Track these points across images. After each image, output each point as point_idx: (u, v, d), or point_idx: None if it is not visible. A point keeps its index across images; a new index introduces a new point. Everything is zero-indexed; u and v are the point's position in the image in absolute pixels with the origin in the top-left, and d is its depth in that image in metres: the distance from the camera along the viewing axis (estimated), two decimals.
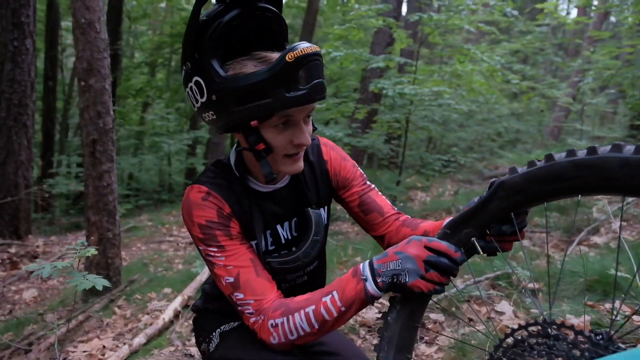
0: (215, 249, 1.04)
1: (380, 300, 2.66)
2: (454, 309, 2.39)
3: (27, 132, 5.40)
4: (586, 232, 3.72)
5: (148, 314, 3.02)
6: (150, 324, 2.76)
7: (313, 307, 0.97)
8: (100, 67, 2.91)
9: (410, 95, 4.71)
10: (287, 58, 0.89)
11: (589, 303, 2.15)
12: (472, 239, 0.92)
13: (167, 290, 3.43)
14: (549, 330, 0.82)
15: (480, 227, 0.91)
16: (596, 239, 3.55)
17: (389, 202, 1.25)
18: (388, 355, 1.01)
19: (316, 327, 0.96)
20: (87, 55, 2.86)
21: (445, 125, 9.42)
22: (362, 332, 2.33)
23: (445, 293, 2.49)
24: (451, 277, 0.91)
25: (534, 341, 0.84)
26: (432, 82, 5.35)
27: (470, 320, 2.27)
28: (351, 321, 2.39)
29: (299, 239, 1.16)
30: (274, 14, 1.00)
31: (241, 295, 1.02)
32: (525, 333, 0.86)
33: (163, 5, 13.86)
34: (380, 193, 1.26)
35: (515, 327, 0.87)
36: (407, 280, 0.89)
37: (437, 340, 2.14)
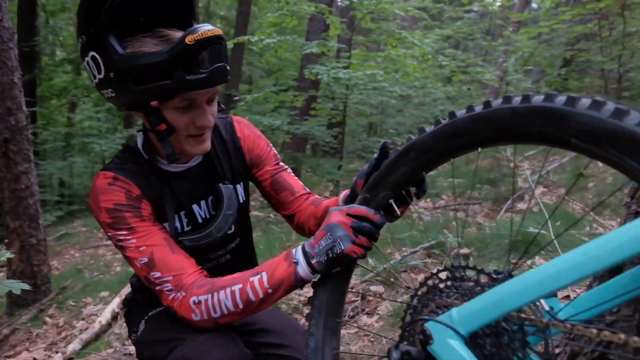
0: (126, 232, 1.00)
1: None
2: (392, 279, 2.47)
3: None
4: (512, 200, 3.98)
5: (83, 319, 2.87)
6: (86, 329, 2.63)
7: (240, 285, 0.95)
8: (6, 59, 2.68)
9: (345, 79, 4.77)
10: (187, 40, 0.87)
11: (513, 261, 2.30)
12: (390, 200, 0.95)
13: (104, 293, 3.27)
14: (456, 273, 0.87)
15: (395, 188, 0.94)
16: (521, 206, 3.81)
17: (300, 182, 1.26)
18: (318, 322, 1.02)
19: (240, 306, 0.95)
20: None
21: (383, 111, 9.65)
22: (307, 310, 2.35)
23: (384, 265, 2.57)
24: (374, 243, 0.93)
25: (444, 285, 0.88)
26: (366, 67, 5.45)
27: (408, 288, 2.36)
28: (294, 301, 2.41)
29: (215, 218, 1.14)
30: None
31: (157, 274, 0.99)
32: (436, 280, 0.91)
33: None
34: (292, 174, 1.27)
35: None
36: (342, 247, 0.89)
37: (378, 310, 2.20)
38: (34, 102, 7.61)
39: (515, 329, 0.72)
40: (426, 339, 0.77)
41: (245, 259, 1.28)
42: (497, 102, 0.78)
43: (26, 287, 1.54)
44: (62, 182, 10.41)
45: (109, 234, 1.02)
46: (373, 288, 2.42)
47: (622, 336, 0.58)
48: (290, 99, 6.44)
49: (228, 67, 0.97)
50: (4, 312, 3.10)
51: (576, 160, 4.81)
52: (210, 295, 0.96)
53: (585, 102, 0.66)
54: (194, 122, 0.99)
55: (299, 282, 0.94)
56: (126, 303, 1.28)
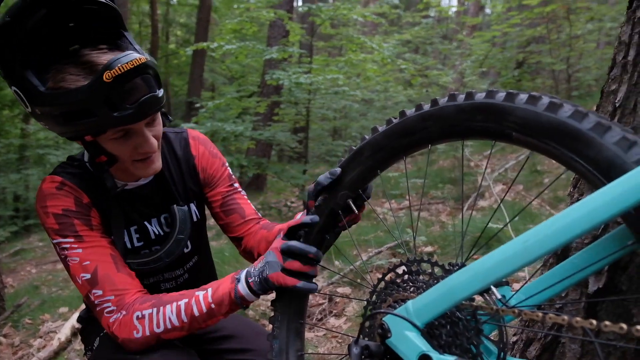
0: (72, 240, 0.96)
1: None
2: (358, 280, 2.49)
3: None
4: (473, 198, 4.11)
5: (41, 337, 2.74)
6: (44, 347, 2.51)
7: (186, 300, 0.93)
8: None
9: (306, 84, 4.80)
10: (104, 78, 0.82)
11: (475, 256, 2.38)
12: (348, 200, 0.96)
13: (64, 309, 3.14)
14: (412, 267, 0.89)
15: (353, 187, 0.95)
16: (482, 203, 3.94)
17: (252, 206, 1.24)
18: (282, 324, 1.01)
19: (185, 320, 0.92)
20: None
21: (347, 115, 9.75)
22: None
23: (351, 267, 2.59)
24: (317, 266, 0.90)
25: (400, 280, 0.90)
26: (327, 72, 5.50)
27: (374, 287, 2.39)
28: (262, 307, 2.39)
29: (170, 236, 1.11)
30: (96, 4, 0.89)
31: (99, 292, 0.95)
32: (394, 275, 0.93)
33: None
34: (246, 197, 1.24)
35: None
36: (267, 273, 0.87)
37: (345, 312, 2.22)
38: None
39: (469, 317, 0.75)
40: (384, 333, 0.78)
41: (205, 277, 1.25)
42: (443, 100, 0.81)
43: None
44: (17, 196, 9.91)
45: (55, 240, 0.98)
46: (340, 290, 2.44)
47: (565, 317, 0.62)
48: (254, 104, 6.42)
49: (159, 94, 0.92)
50: None
51: (533, 156, 5.03)
52: (155, 310, 0.93)
53: (523, 97, 0.70)
54: (136, 149, 0.95)
55: (238, 300, 0.91)
56: (80, 320, 1.23)
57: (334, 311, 2.25)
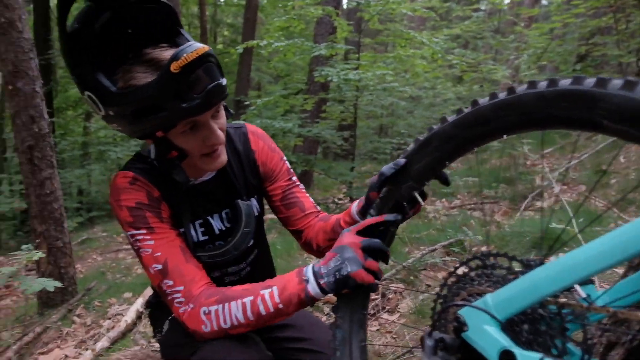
0: (145, 231, 1.00)
1: None
2: (412, 278, 2.46)
3: None
4: (531, 198, 3.93)
5: (109, 319, 2.93)
6: (113, 328, 2.69)
7: (251, 297, 0.94)
8: (27, 69, 2.74)
9: (354, 80, 4.77)
10: (172, 69, 0.84)
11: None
12: (414, 192, 0.94)
13: (128, 294, 3.33)
14: (487, 261, 0.86)
15: (419, 179, 0.94)
16: (539, 204, 3.76)
17: (311, 200, 1.25)
18: (345, 314, 1.01)
19: (251, 318, 0.94)
20: (12, 57, 2.69)
21: (393, 113, 9.62)
22: (327, 309, 2.35)
23: (403, 264, 2.56)
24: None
25: (474, 274, 0.88)
26: (376, 67, 5.45)
27: (429, 286, 2.35)
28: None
29: (232, 230, 1.14)
30: (154, 3, 0.94)
31: (170, 282, 0.98)
32: (466, 269, 0.90)
33: None
34: (304, 191, 1.26)
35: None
36: (349, 270, 0.87)
37: (399, 308, 2.19)
38: (51, 112, 7.77)
39: (553, 315, 0.72)
40: (460, 326, 0.76)
41: (265, 270, 1.28)
42: (521, 88, 0.78)
43: (58, 284, 1.60)
44: (81, 190, 10.58)
45: (129, 232, 1.02)
46: (393, 286, 2.41)
47: None
48: (300, 102, 6.47)
49: (223, 82, 0.94)
50: (35, 312, 3.16)
51: (596, 157, 4.74)
52: (220, 306, 0.95)
53: (617, 82, 0.66)
54: (204, 142, 0.98)
55: (309, 300, 0.93)
56: (149, 305, 1.29)
57: (387, 307, 2.23)
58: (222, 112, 1.02)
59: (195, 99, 0.88)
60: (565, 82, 0.72)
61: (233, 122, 1.24)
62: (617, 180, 3.98)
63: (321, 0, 5.65)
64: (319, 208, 1.25)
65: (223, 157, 1.03)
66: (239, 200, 1.14)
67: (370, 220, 0.92)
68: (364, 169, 7.88)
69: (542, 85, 0.75)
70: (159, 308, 1.24)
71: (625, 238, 0.58)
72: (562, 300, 0.68)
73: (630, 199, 3.24)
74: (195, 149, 0.98)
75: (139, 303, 2.91)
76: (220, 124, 1.00)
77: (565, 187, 4.27)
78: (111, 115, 0.92)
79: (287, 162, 1.26)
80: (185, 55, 0.84)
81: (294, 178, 1.25)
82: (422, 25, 13.38)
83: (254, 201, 1.20)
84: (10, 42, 2.68)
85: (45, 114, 2.92)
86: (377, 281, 0.89)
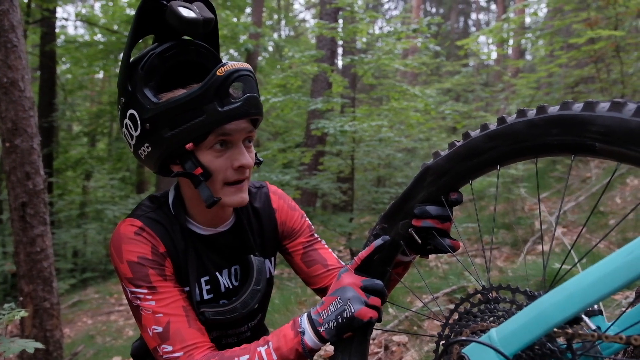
0: (146, 291, 0.95)
1: None
2: (415, 328, 2.35)
3: None
4: (532, 242, 3.88)
5: None
6: None
7: (247, 356, 0.91)
8: (26, 127, 2.78)
9: (350, 132, 4.86)
10: (217, 72, 0.88)
11: None
12: (410, 229, 0.92)
13: (117, 358, 3.16)
14: (489, 295, 0.82)
15: (415, 216, 0.92)
16: (540, 247, 3.70)
17: (334, 255, 1.22)
18: None
19: None
20: (12, 115, 2.73)
21: (390, 164, 9.73)
22: None
23: (406, 314, 2.46)
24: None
25: (477, 309, 0.83)
26: (371, 119, 5.58)
27: (433, 336, 2.24)
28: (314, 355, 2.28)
29: (240, 289, 1.10)
30: (208, 50, 1.02)
31: (169, 348, 0.93)
32: (468, 305, 0.86)
33: (100, 75, 13.77)
34: (326, 246, 1.22)
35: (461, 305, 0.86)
36: (352, 310, 0.85)
37: None
38: (50, 172, 7.84)
39: (563, 348, 0.67)
40: None
41: (262, 335, 1.23)
42: (511, 118, 0.78)
43: (40, 345, 1.50)
44: (76, 252, 10.45)
45: (128, 288, 0.97)
46: (396, 338, 2.30)
47: None
48: (298, 155, 6.56)
49: (261, 99, 0.98)
50: None
51: (593, 199, 4.74)
52: None
53: (605, 104, 0.66)
54: (231, 164, 0.96)
55: (307, 353, 0.89)
56: (135, 358, 1.22)
57: None
58: (252, 149, 1.01)
59: (234, 103, 0.90)
60: (554, 109, 0.73)
61: (254, 181, 1.22)
62: (615, 220, 3.95)
63: (318, 57, 5.87)
64: (342, 263, 1.19)
65: (245, 195, 1.00)
66: (252, 256, 1.09)
67: (363, 253, 0.89)
68: (362, 220, 7.83)
69: (532, 113, 0.75)
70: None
71: (633, 256, 0.55)
72: (572, 330, 0.64)
73: (630, 238, 3.19)
74: (221, 170, 0.95)
75: None
76: (250, 154, 0.99)
77: (565, 229, 4.23)
78: (146, 131, 0.92)
79: (307, 219, 1.23)
80: (231, 63, 0.90)
81: (316, 234, 1.22)
82: (414, 80, 13.89)
83: (268, 263, 1.16)
84: (11, 101, 2.74)
85: (41, 170, 2.92)
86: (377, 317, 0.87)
